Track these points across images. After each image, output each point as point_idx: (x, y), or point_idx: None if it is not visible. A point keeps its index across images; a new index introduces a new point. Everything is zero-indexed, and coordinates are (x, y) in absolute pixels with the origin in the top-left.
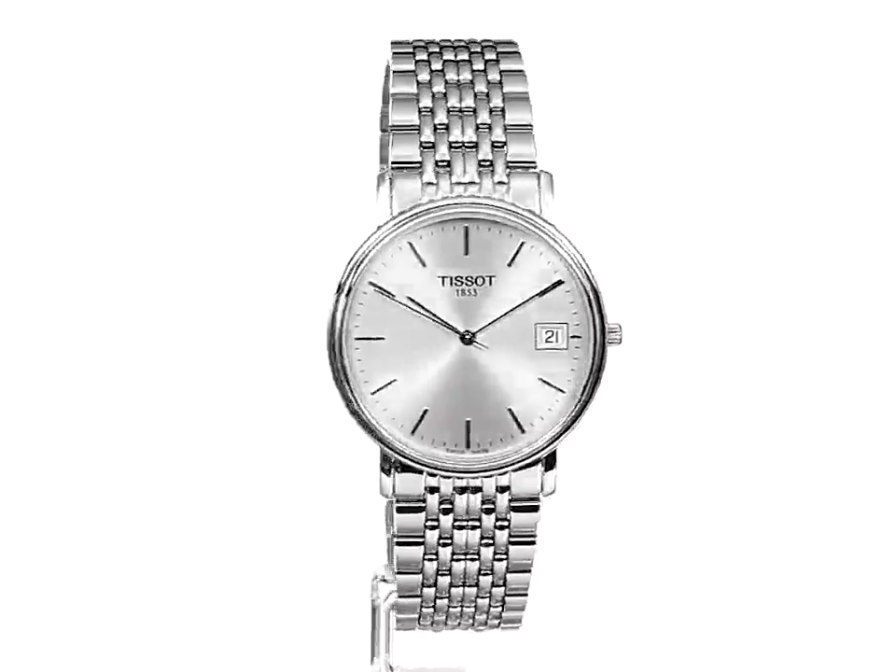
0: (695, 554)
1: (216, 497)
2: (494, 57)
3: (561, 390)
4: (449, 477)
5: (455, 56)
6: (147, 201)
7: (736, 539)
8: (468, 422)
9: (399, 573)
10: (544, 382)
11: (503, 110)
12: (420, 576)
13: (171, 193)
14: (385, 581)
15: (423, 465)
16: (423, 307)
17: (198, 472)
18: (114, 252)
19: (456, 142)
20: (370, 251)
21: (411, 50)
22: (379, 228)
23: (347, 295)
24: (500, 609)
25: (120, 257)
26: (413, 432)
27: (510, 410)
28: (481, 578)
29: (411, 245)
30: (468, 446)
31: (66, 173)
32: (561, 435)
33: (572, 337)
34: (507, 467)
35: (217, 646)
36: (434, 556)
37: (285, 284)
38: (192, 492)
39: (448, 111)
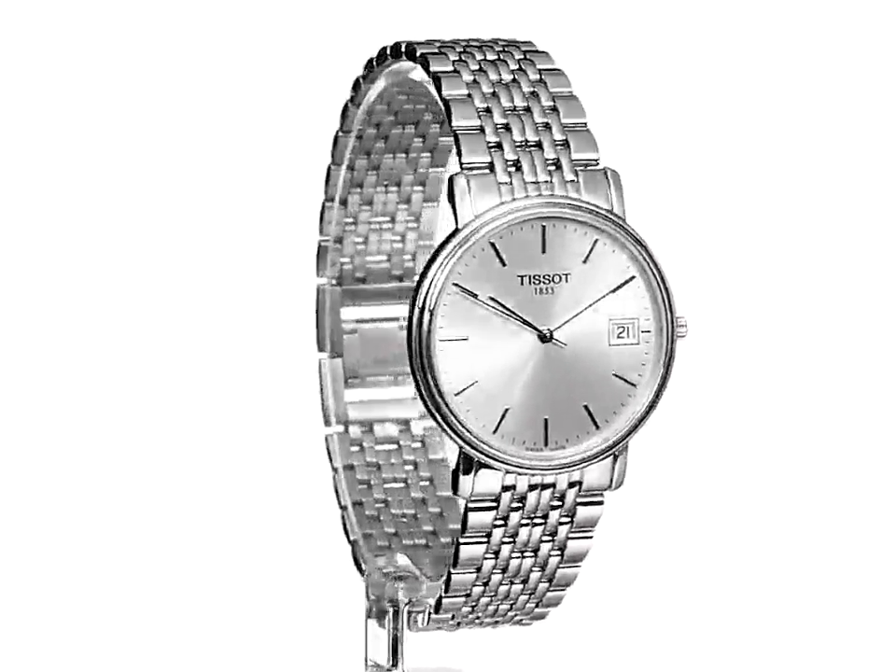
0: (710, 560)
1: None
2: (523, 56)
3: (633, 384)
4: (526, 474)
5: (486, 56)
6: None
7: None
8: (545, 420)
9: (457, 572)
10: (617, 377)
11: (555, 109)
12: (475, 574)
13: (125, 188)
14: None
15: (505, 464)
16: (504, 307)
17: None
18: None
19: (520, 141)
20: (451, 257)
21: (436, 50)
22: (459, 230)
23: (432, 310)
24: (536, 604)
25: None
26: (494, 431)
27: (585, 406)
28: (532, 574)
29: (493, 245)
30: (546, 444)
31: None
32: (634, 430)
33: (643, 332)
34: (583, 463)
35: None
36: (493, 555)
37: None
38: (150, 495)
39: (504, 111)
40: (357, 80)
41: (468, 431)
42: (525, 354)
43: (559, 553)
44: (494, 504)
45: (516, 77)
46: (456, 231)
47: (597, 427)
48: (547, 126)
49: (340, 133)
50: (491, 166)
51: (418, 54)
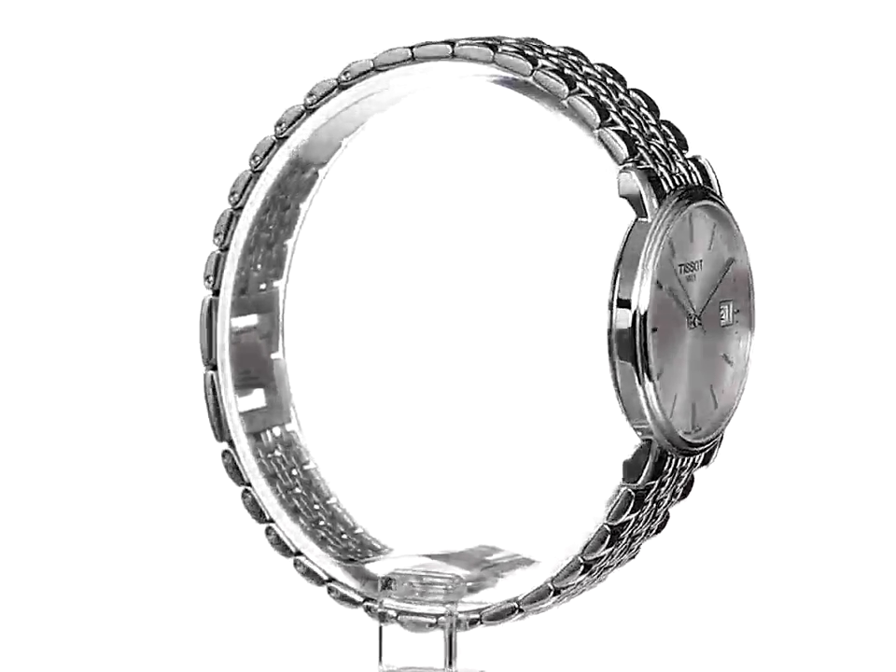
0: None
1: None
2: (566, 52)
3: (731, 363)
4: (686, 455)
5: (536, 53)
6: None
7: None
8: (693, 404)
9: (588, 560)
10: (724, 357)
11: (640, 103)
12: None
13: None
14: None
15: (677, 448)
16: (676, 297)
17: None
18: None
19: (643, 133)
20: (650, 255)
21: (511, 48)
22: (646, 225)
23: (647, 308)
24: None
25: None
26: (670, 417)
27: (710, 387)
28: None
29: (668, 238)
30: (693, 427)
31: None
32: (737, 408)
33: (735, 312)
34: (713, 443)
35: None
36: (616, 540)
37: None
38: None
39: (616, 105)
40: (330, 88)
41: (665, 418)
42: (684, 340)
43: (651, 531)
44: (644, 492)
45: (588, 71)
46: (646, 225)
47: (715, 407)
48: (646, 119)
49: (274, 140)
50: (640, 159)
51: (499, 49)
